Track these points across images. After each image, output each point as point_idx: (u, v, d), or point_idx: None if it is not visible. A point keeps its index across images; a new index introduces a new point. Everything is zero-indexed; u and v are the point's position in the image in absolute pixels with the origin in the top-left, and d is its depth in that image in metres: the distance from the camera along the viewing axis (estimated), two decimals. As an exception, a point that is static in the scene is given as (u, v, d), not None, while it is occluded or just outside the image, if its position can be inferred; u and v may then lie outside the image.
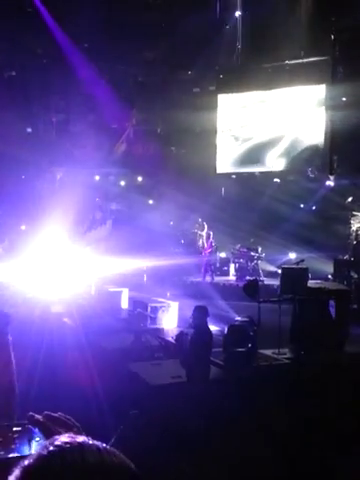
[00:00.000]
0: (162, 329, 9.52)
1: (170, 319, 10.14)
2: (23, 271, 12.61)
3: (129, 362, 7.26)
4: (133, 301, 10.82)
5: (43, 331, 7.31)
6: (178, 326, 9.86)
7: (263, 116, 18.81)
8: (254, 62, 18.36)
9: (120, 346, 8.06)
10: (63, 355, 7.76)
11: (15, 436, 1.07)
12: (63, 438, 0.77)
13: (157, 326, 9.53)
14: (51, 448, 0.74)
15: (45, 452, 0.73)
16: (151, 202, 21.42)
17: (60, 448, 0.74)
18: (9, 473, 0.73)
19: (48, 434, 0.97)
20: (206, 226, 16.79)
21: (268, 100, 18.70)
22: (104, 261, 15.16)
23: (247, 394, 6.32)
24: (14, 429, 1.07)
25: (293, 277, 8.05)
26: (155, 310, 9.89)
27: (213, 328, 7.06)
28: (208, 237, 16.30)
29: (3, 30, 17.47)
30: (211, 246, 16.07)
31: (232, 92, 19.21)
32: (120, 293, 11.78)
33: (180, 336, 7.77)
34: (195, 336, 5.87)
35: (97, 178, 21.53)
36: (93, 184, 20.65)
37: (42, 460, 0.73)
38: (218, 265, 16.69)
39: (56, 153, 19.87)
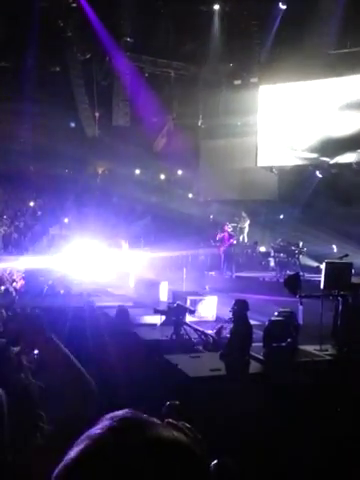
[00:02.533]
0: (201, 322, 9.52)
1: (209, 312, 10.13)
2: (67, 263, 12.92)
3: (168, 354, 7.30)
4: (173, 293, 10.88)
5: (84, 321, 7.45)
6: (217, 319, 9.84)
7: (305, 107, 18.38)
8: (296, 53, 17.95)
9: (160, 338, 8.12)
10: (103, 345, 7.89)
11: None
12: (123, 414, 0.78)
13: (196, 319, 9.53)
14: (113, 424, 0.75)
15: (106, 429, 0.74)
16: (191, 196, 21.42)
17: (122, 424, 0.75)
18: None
19: None
20: (248, 220, 16.60)
21: (311, 91, 18.26)
22: (144, 254, 15.30)
23: (287, 390, 6.24)
24: None
25: (336, 272, 7.85)
26: (194, 303, 9.90)
27: (253, 322, 6.99)
28: (226, 229, 15.74)
29: (47, 25, 17.86)
30: (230, 238, 15.45)
31: (274, 83, 18.85)
32: (159, 285, 11.87)
33: (220, 330, 7.76)
34: (235, 330, 5.83)
35: (137, 172, 21.71)
36: (133, 178, 20.86)
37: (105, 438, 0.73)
38: (258, 260, 16.49)
39: (98, 147, 20.17)
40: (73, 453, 0.73)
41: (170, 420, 0.82)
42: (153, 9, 18.98)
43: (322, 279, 8.10)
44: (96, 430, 0.75)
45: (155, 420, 0.79)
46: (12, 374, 5.11)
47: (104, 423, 0.76)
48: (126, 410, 0.80)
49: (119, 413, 0.79)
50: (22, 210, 19.81)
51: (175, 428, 0.79)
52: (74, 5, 18.73)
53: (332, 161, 17.99)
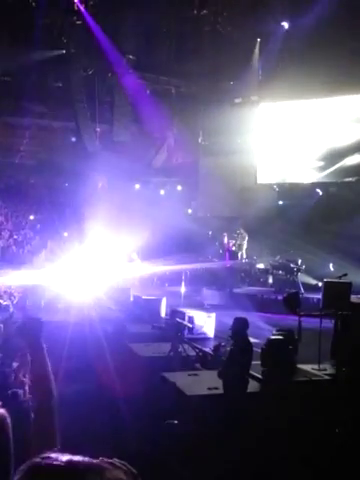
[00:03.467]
0: (199, 339, 9.47)
1: (208, 329, 10.08)
2: (64, 277, 12.88)
3: (166, 371, 7.25)
4: (171, 310, 10.83)
5: (80, 336, 7.41)
6: (215, 337, 9.79)
7: (305, 125, 18.55)
8: (297, 71, 18.18)
9: (157, 355, 8.06)
10: (100, 361, 7.84)
11: None
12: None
13: (194, 336, 9.48)
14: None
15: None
16: (190, 211, 21.48)
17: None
18: None
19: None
20: (247, 236, 16.63)
21: (311, 109, 18.46)
22: (142, 269, 15.28)
23: (285, 410, 6.18)
24: None
25: (336, 291, 7.85)
26: (193, 320, 9.86)
27: (251, 340, 6.96)
28: (230, 246, 15.97)
29: (52, 41, 18.09)
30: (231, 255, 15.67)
31: (274, 101, 19.05)
32: (158, 301, 11.83)
33: (218, 347, 7.72)
34: (234, 348, 5.80)
35: (137, 187, 21.80)
36: (133, 192, 20.92)
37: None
38: (256, 277, 16.47)
39: (99, 162, 20.27)
40: None
41: (106, 460, 0.80)
42: (156, 27, 19.27)
43: (321, 298, 8.09)
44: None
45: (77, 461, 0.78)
46: (8, 390, 5.06)
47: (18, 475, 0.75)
48: (44, 456, 0.79)
49: (32, 463, 0.77)
50: (21, 223, 19.82)
51: (109, 468, 0.77)
52: (79, 22, 18.99)
53: (332, 179, 18.09)
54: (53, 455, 0.79)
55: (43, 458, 0.78)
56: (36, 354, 1.71)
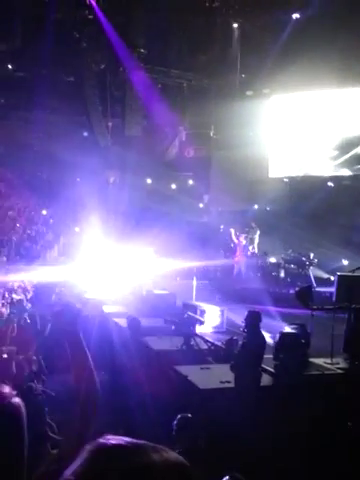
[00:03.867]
0: (211, 333, 9.51)
1: (219, 323, 10.11)
2: (78, 272, 13.00)
3: (178, 365, 7.30)
4: (183, 304, 10.88)
5: (97, 331, 7.49)
6: (227, 331, 9.81)
7: (318, 117, 18.40)
8: (309, 63, 18.00)
9: (170, 348, 8.12)
10: (114, 356, 7.93)
11: None
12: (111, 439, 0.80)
13: (206, 330, 9.52)
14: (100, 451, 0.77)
15: (95, 455, 0.76)
16: (201, 205, 21.47)
17: (110, 450, 0.77)
18: None
19: None
20: (258, 230, 16.59)
21: (323, 101, 18.30)
22: (154, 264, 15.32)
23: (297, 403, 6.21)
24: None
25: (349, 285, 7.82)
26: (204, 314, 9.90)
27: (263, 334, 6.97)
28: (240, 242, 15.92)
29: (63, 36, 18.13)
30: (244, 250, 15.63)
31: (286, 93, 18.91)
32: (170, 296, 11.89)
33: (230, 341, 7.75)
34: (247, 342, 5.83)
35: (149, 181, 21.82)
36: (145, 187, 20.96)
37: (92, 465, 0.75)
38: (268, 270, 16.43)
39: (110, 157, 20.32)
40: None
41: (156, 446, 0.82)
42: (167, 21, 19.19)
43: (334, 292, 8.07)
44: (77, 466, 0.76)
45: (138, 444, 0.80)
46: (24, 382, 5.15)
47: (84, 456, 0.78)
48: (107, 437, 0.82)
49: (98, 443, 0.80)
50: (34, 218, 19.99)
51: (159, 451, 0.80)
52: (90, 17, 19.00)
53: (344, 172, 17.95)
54: (114, 437, 0.82)
55: (107, 439, 0.81)
56: (73, 341, 1.72)
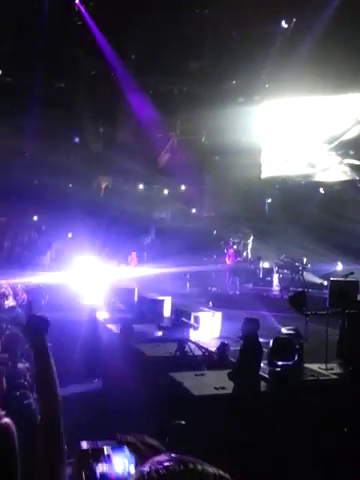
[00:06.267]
0: (205, 339, 9.46)
1: (213, 329, 10.06)
2: (70, 277, 12.90)
3: (172, 371, 7.23)
4: (176, 310, 10.82)
5: (89, 336, 7.41)
6: (220, 336, 9.77)
7: (309, 123, 18.53)
8: (300, 70, 18.14)
9: (163, 355, 8.04)
10: (107, 361, 7.84)
11: (106, 454, 1.10)
12: (169, 460, 0.77)
13: (200, 336, 9.47)
14: (160, 471, 0.74)
15: (154, 475, 0.73)
16: (194, 211, 21.48)
17: (168, 470, 0.74)
18: None
19: (138, 454, 1.03)
20: (252, 235, 16.60)
21: (314, 107, 18.42)
22: (147, 269, 15.26)
23: (292, 409, 6.16)
24: (104, 447, 1.11)
25: (342, 290, 7.82)
26: (198, 319, 9.85)
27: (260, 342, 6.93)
28: (232, 245, 15.89)
29: (53, 42, 18.09)
30: (237, 256, 15.62)
31: (277, 99, 19.03)
32: (163, 301, 11.82)
33: (222, 346, 7.69)
34: (245, 348, 5.78)
35: (141, 187, 21.80)
36: (137, 193, 20.94)
37: None
38: (261, 276, 16.45)
39: (102, 163, 20.27)
40: None
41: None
42: (158, 27, 19.23)
43: (328, 297, 8.06)
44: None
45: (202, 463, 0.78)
46: (17, 391, 5.05)
47: (141, 472, 0.75)
48: (167, 456, 0.80)
49: (158, 462, 0.79)
50: (26, 224, 19.85)
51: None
52: (79, 23, 19.00)
53: (335, 178, 18.06)
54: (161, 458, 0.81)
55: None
56: (40, 353, 1.68)
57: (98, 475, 1.06)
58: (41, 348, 1.68)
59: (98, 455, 1.10)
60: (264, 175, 19.43)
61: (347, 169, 17.81)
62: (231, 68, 19.35)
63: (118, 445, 1.10)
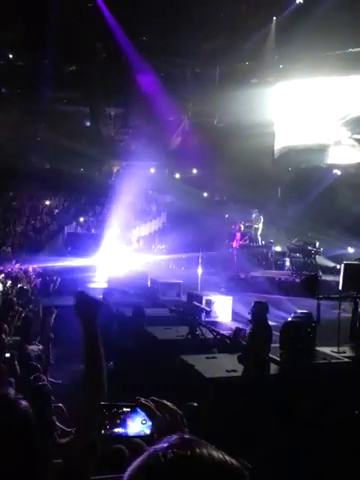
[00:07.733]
0: (217, 322, 9.48)
1: (224, 313, 10.08)
2: (84, 260, 13.00)
3: (184, 354, 7.28)
4: (188, 294, 10.85)
5: (101, 320, 7.46)
6: (232, 320, 9.78)
7: (323, 105, 18.20)
8: (314, 49, 17.77)
9: (175, 338, 8.09)
10: (119, 344, 7.91)
11: (122, 416, 1.17)
12: (178, 444, 0.79)
13: (212, 319, 9.49)
14: (168, 455, 0.77)
15: (162, 459, 0.76)
16: (206, 194, 21.38)
17: (177, 455, 0.78)
18: (115, 451, 0.78)
19: (154, 418, 1.12)
20: (262, 219, 16.46)
21: (328, 88, 18.07)
22: (159, 253, 15.31)
23: (304, 392, 6.18)
24: (123, 409, 1.16)
25: (355, 273, 7.76)
26: (210, 303, 9.86)
27: (270, 323, 6.93)
28: (239, 229, 15.76)
29: (64, 25, 17.95)
30: (242, 237, 15.49)
31: (291, 80, 18.68)
32: (176, 285, 11.86)
33: (237, 331, 7.70)
34: (254, 332, 5.78)
35: (152, 171, 21.72)
36: (149, 177, 20.87)
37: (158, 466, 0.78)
38: (272, 259, 16.35)
39: (114, 146, 20.22)
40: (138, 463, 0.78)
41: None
42: (169, 9, 18.94)
43: (340, 280, 8.00)
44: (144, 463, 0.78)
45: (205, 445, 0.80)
46: (31, 373, 5.13)
47: (152, 455, 0.78)
48: (179, 438, 0.82)
49: (169, 444, 0.81)
50: (38, 208, 19.96)
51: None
52: (90, 5, 18.80)
53: (350, 160, 17.78)
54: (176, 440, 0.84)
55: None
56: (89, 338, 1.67)
57: (114, 435, 1.13)
58: (91, 332, 1.66)
59: (114, 416, 1.16)
60: (277, 157, 19.18)
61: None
62: (244, 49, 19.03)
63: (135, 407, 1.16)
